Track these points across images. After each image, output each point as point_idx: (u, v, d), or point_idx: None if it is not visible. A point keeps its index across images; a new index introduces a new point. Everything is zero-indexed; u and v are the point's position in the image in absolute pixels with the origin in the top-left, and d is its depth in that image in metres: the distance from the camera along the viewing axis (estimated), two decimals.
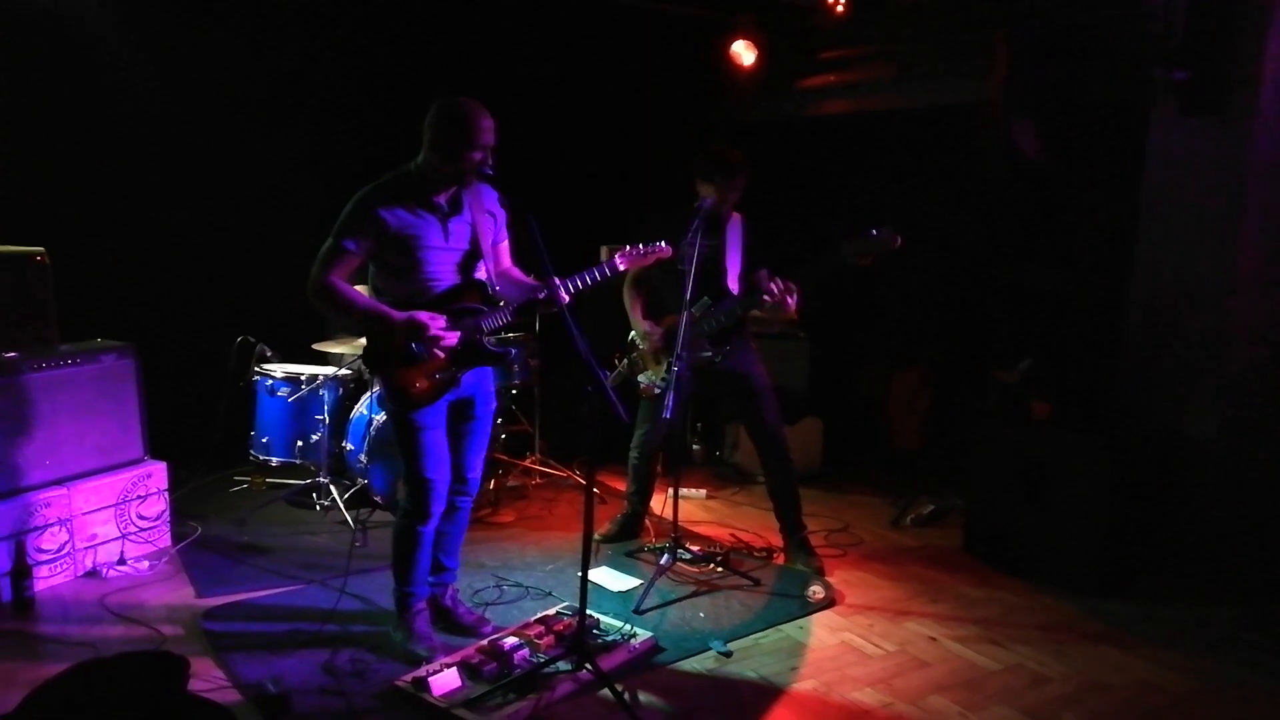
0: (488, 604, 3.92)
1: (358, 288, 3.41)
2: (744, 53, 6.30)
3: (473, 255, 3.39)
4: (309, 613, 3.77)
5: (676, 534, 4.26)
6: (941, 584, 4.32)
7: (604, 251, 5.73)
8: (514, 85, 5.61)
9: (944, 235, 5.52)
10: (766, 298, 4.02)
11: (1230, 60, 4.16)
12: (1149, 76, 4.39)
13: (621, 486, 4.89)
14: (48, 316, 4.03)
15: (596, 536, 4.55)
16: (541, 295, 3.33)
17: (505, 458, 5.39)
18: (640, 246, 3.57)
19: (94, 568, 4.11)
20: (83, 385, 4.14)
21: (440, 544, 3.59)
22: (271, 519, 4.80)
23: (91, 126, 4.89)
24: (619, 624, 3.66)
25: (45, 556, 3.94)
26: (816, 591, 4.06)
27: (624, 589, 4.10)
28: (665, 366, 4.12)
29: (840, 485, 5.66)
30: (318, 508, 4.93)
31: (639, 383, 4.40)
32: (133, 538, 4.25)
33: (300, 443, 4.98)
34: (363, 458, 4.74)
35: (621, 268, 3.50)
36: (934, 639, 3.77)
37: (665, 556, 4.20)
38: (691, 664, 3.52)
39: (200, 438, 4.97)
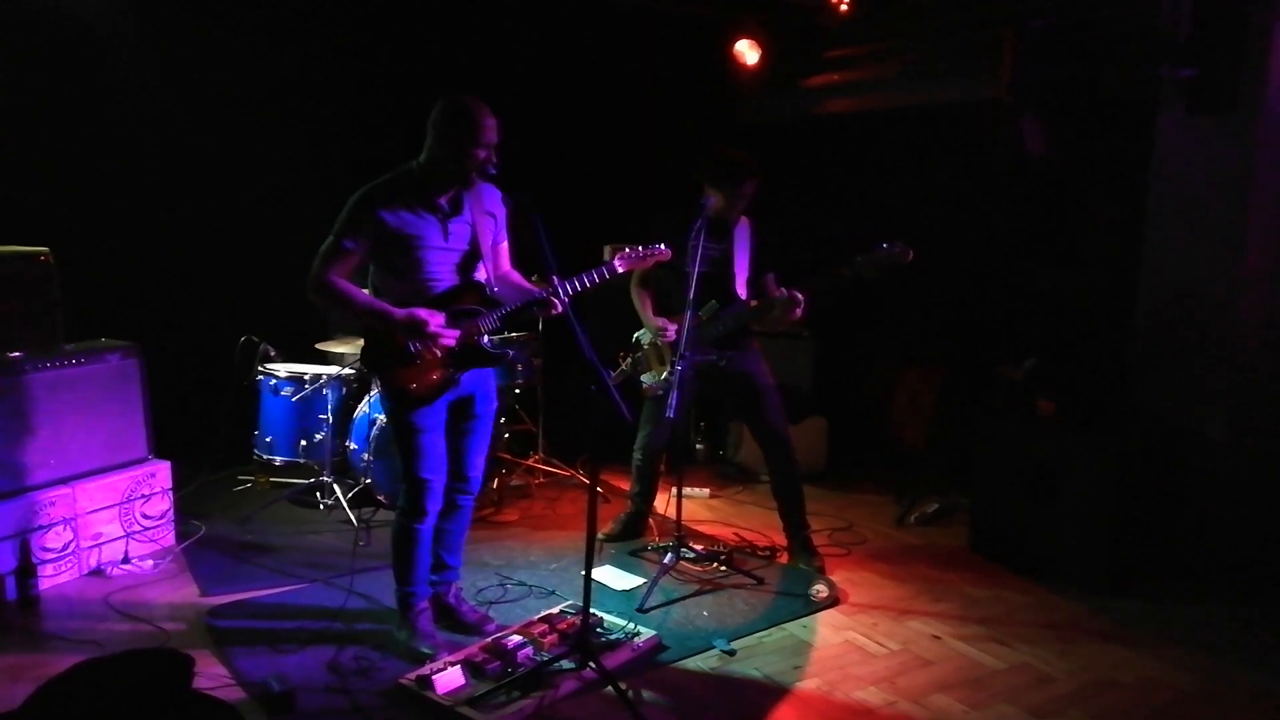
0: (491, 602, 3.92)
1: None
2: (747, 52, 6.29)
3: (472, 256, 3.39)
4: (313, 611, 3.77)
5: (680, 533, 4.26)
6: (946, 583, 4.30)
7: (606, 251, 5.73)
8: (516, 85, 5.61)
9: (949, 234, 5.50)
10: (776, 312, 4.05)
11: (1238, 59, 4.14)
12: (1156, 75, 4.38)
13: (625, 486, 4.88)
14: (52, 316, 4.04)
15: (600, 535, 4.54)
16: (542, 296, 3.32)
17: (509, 457, 5.39)
18: (639, 249, 3.56)
19: (98, 566, 4.12)
20: (87, 385, 4.15)
21: (443, 542, 3.60)
22: (275, 518, 4.81)
23: (94, 126, 4.89)
24: (622, 623, 3.65)
25: (50, 555, 3.95)
26: (820, 590, 4.06)
27: (627, 588, 4.10)
28: (669, 367, 4.12)
29: (844, 484, 5.65)
30: (321, 507, 4.94)
31: (642, 383, 4.40)
32: (137, 536, 4.26)
33: (304, 442, 4.99)
34: (366, 457, 4.75)
35: (620, 270, 3.50)
36: (938, 638, 3.77)
37: (669, 555, 4.20)
38: (695, 663, 3.52)
39: (204, 437, 4.99)
